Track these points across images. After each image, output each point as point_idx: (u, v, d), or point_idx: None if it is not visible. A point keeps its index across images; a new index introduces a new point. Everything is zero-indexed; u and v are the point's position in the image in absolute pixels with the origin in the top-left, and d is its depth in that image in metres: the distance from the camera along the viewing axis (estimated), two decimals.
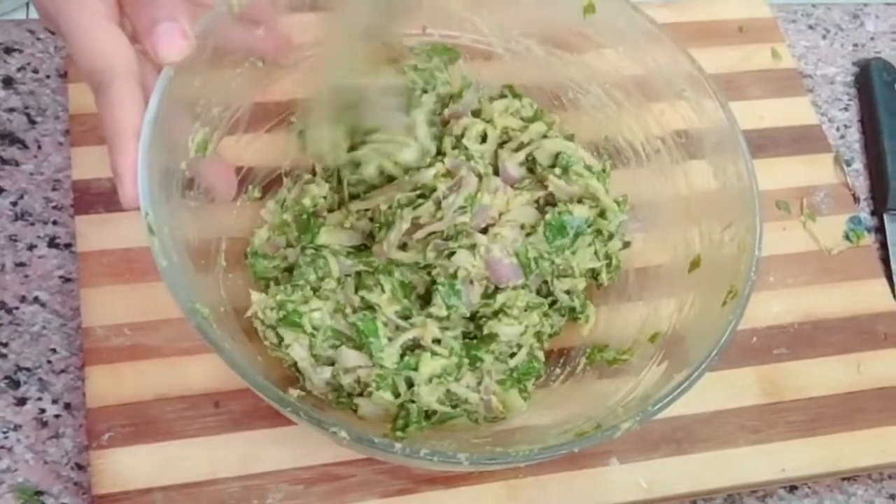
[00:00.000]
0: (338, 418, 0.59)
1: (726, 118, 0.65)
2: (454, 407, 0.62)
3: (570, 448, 0.56)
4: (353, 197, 0.67)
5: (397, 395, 0.61)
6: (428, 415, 0.61)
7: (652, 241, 0.69)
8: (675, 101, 0.67)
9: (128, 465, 0.61)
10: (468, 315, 0.64)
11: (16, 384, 0.64)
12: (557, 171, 0.67)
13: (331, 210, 0.67)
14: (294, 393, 0.61)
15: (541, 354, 0.66)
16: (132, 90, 0.53)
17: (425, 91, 0.68)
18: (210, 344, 0.53)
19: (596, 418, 0.58)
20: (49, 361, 0.65)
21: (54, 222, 0.69)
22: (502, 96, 0.71)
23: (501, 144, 0.69)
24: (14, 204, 0.70)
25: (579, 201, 0.66)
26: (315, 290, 0.63)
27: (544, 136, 0.69)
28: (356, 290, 0.63)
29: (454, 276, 0.63)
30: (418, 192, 0.65)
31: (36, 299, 0.67)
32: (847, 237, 0.78)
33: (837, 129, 0.85)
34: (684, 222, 0.67)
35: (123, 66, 0.53)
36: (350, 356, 0.61)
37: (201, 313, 0.54)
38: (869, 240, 0.78)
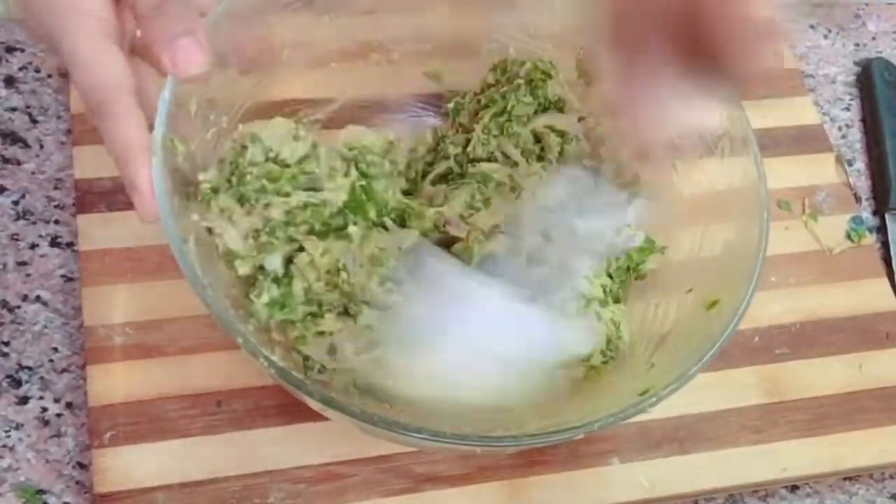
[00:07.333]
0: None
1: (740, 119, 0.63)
2: None
3: (546, 440, 0.54)
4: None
5: None
6: None
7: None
8: None
9: (129, 464, 0.61)
10: None
11: (17, 383, 0.64)
12: None
13: None
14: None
15: None
16: (137, 110, 0.51)
17: None
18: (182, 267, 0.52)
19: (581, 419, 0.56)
20: (51, 360, 0.65)
21: (56, 221, 0.69)
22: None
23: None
24: (16, 203, 0.70)
25: None
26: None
27: None
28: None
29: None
30: None
31: (38, 298, 0.67)
32: (849, 237, 0.78)
33: (839, 128, 0.85)
34: (691, 221, 0.65)
35: (126, 88, 0.50)
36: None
37: (182, 238, 0.52)
38: (870, 239, 0.78)
